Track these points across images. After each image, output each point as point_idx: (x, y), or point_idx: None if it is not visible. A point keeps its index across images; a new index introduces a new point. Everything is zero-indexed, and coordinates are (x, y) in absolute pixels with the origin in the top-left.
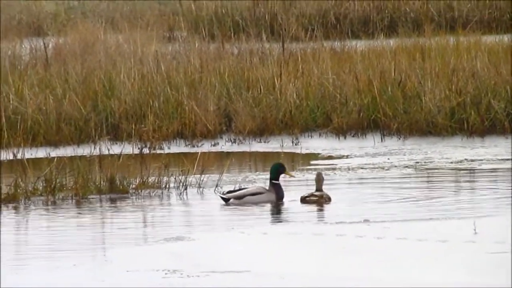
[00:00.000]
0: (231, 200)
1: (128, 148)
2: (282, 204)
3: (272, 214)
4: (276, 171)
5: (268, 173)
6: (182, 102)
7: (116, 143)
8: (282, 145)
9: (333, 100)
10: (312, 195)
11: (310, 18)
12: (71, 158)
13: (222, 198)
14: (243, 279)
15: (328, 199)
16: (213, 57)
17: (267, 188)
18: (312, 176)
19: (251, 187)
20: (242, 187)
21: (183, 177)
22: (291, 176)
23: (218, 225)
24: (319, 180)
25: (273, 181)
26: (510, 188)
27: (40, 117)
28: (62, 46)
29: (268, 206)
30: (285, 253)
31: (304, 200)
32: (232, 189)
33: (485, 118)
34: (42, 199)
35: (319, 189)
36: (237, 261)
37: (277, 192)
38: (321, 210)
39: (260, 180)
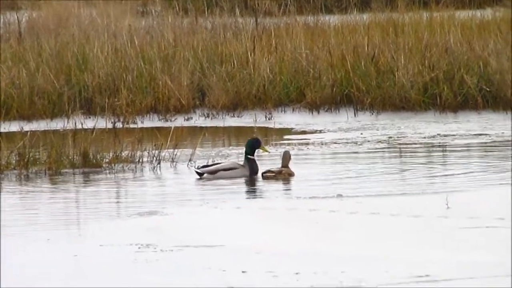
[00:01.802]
0: (205, 175)
1: (102, 122)
2: (256, 179)
3: (246, 189)
4: (252, 146)
5: (243, 147)
6: (155, 77)
7: (90, 117)
8: (256, 120)
9: (307, 75)
10: (268, 171)
11: None
12: (45, 132)
13: (197, 172)
14: (217, 254)
15: (288, 175)
16: (186, 32)
17: (241, 163)
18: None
19: (225, 162)
20: (216, 162)
21: (156, 151)
22: (267, 151)
23: (191, 199)
24: (286, 158)
25: (248, 156)
26: (482, 163)
27: (13, 91)
28: (36, 20)
29: (242, 181)
30: (259, 227)
31: (262, 175)
32: (206, 163)
33: (458, 93)
34: (15, 173)
35: (284, 166)
36: (211, 235)
37: (252, 167)
38: (294, 185)
39: (234, 154)
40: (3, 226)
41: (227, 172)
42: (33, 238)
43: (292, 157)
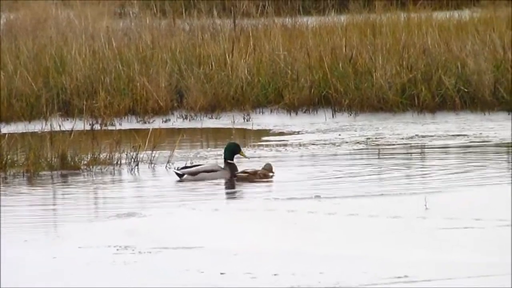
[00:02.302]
0: (185, 176)
1: (80, 124)
2: (234, 180)
3: (224, 190)
4: (231, 151)
5: (221, 149)
6: (133, 79)
7: (68, 119)
8: (234, 121)
9: (285, 77)
10: (243, 171)
11: None
12: (23, 134)
13: (177, 173)
14: (195, 255)
15: (263, 176)
16: (164, 34)
17: (221, 166)
18: (263, 152)
19: (206, 164)
20: (197, 163)
21: (134, 153)
22: (245, 157)
23: (169, 201)
24: (267, 169)
25: (228, 161)
26: (460, 164)
27: None
28: (14, 22)
29: (220, 183)
30: (238, 229)
31: (236, 176)
32: (185, 165)
33: (436, 94)
34: None
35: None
36: (189, 237)
37: (232, 171)
38: (272, 186)
39: (212, 156)
40: None
41: (209, 174)
42: (11, 239)
43: (270, 161)
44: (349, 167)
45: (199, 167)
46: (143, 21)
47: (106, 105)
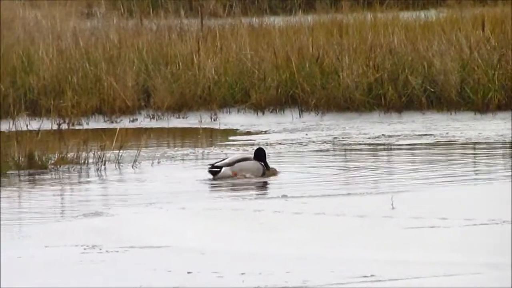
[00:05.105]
0: (223, 169)
1: (47, 124)
2: (198, 180)
3: (191, 189)
4: (263, 154)
5: (188, 148)
6: (100, 78)
7: (35, 119)
8: (201, 121)
9: (252, 76)
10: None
11: None
12: None
13: (212, 172)
14: (162, 255)
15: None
16: (131, 33)
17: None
18: (230, 152)
19: (236, 155)
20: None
21: (101, 152)
22: (268, 168)
23: (136, 200)
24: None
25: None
26: (426, 163)
27: None
28: None
29: (185, 182)
30: (205, 228)
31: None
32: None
33: (402, 94)
34: None
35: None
36: (156, 236)
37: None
38: (240, 185)
39: (179, 155)
40: None
41: (246, 163)
42: None
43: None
44: (315, 167)
45: (232, 157)
46: (110, 20)
47: (73, 105)
